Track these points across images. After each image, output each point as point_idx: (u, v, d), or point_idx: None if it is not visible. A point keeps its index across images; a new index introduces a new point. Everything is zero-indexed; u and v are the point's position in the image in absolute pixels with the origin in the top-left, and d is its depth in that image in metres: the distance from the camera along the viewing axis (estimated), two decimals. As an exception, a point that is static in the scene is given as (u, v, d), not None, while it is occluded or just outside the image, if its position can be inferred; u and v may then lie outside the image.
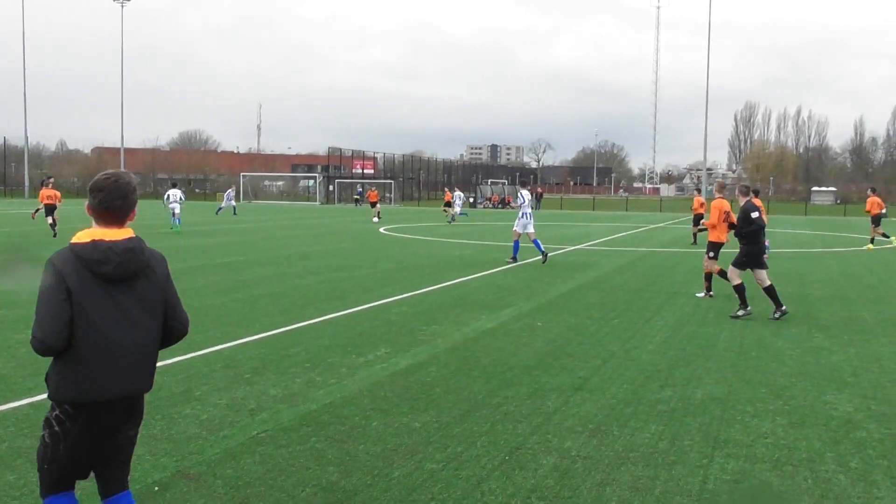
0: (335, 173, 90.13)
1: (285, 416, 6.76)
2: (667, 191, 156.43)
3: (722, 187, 15.38)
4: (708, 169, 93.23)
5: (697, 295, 14.62)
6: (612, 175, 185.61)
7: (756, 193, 14.45)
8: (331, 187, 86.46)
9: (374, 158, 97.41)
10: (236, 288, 14.61)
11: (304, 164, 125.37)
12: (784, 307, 12.12)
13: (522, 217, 20.22)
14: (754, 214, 12.28)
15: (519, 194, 21.61)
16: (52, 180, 30.52)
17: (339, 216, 49.26)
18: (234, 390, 7.54)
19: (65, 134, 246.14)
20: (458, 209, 43.81)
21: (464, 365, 8.82)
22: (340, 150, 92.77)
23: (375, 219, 38.59)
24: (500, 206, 76.75)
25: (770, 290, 12.09)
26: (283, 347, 9.51)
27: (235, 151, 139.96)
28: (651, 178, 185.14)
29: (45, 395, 7.10)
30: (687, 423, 6.78)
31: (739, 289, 12.30)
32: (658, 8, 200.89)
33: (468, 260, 20.97)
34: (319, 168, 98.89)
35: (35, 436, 6.07)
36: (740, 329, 11.24)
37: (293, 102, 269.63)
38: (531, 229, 20.31)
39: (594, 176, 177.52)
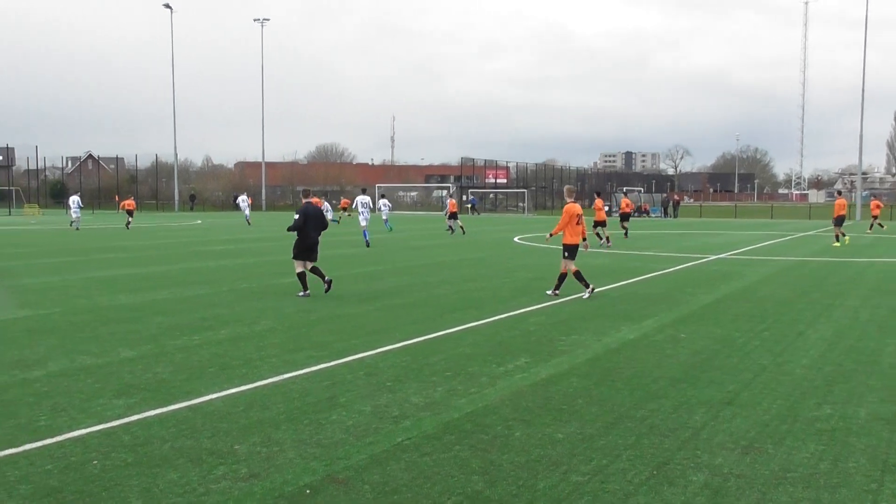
0: (468, 183, 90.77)
1: (428, 424, 6.80)
2: (815, 197, 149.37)
3: (571, 192, 16.30)
4: (863, 173, 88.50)
5: (547, 292, 15.39)
6: (755, 181, 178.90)
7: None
8: (464, 197, 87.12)
9: (507, 168, 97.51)
10: (375, 297, 14.88)
11: (437, 174, 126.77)
12: (323, 289, 15.10)
13: (362, 214, 31.19)
14: (296, 216, 15.16)
15: (357, 200, 32.16)
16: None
17: (473, 225, 49.48)
18: (377, 397, 7.65)
19: (210, 150, 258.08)
20: (329, 215, 42.07)
21: (606, 376, 8.66)
22: (473, 160, 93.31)
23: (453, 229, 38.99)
24: (635, 213, 75.27)
25: (311, 272, 15.21)
26: (423, 356, 9.59)
27: (370, 163, 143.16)
28: (798, 183, 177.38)
29: (202, 399, 7.44)
30: (850, 443, 6.39)
31: (301, 276, 15.14)
32: (806, 3, 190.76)
33: (606, 269, 20.64)
34: (452, 178, 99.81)
35: (194, 437, 6.35)
36: (902, 343, 10.57)
37: (426, 113, 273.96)
38: (364, 223, 30.98)
39: (735, 182, 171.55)
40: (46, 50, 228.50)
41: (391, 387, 8.07)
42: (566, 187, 16.88)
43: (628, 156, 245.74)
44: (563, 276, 15.30)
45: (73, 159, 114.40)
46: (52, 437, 6.36)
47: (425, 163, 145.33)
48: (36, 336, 10.69)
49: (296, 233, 15.20)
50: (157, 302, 14.01)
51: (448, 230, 38.73)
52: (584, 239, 15.71)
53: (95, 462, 5.77)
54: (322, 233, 15.57)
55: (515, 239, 34.84)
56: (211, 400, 7.50)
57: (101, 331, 11.12)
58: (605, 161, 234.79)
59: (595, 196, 30.99)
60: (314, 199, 48.54)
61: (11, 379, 8.27)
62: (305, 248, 15.17)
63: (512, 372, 8.79)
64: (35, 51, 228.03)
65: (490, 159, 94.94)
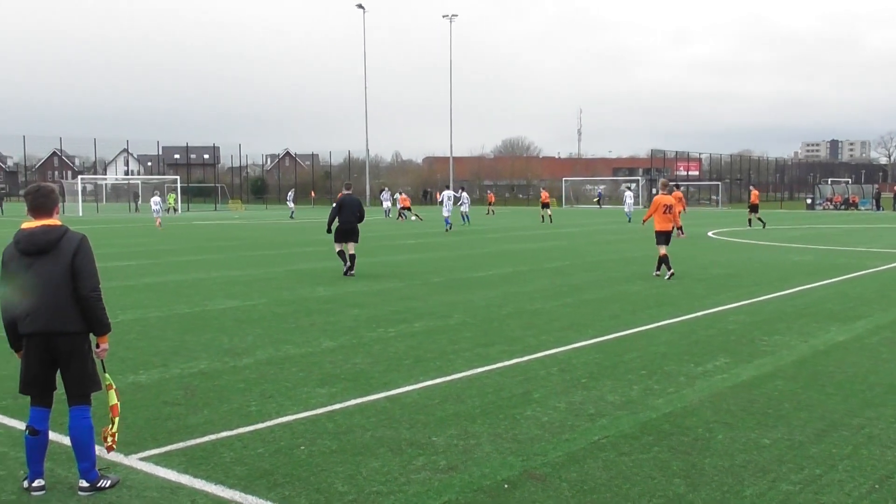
0: (657, 176, 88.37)
1: (625, 423, 6.65)
2: None
3: (665, 185, 17.66)
4: None
5: (654, 274, 17.04)
6: None
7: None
8: (653, 190, 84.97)
9: (699, 159, 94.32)
10: (565, 292, 14.76)
11: (624, 167, 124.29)
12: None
13: (445, 205, 36.48)
14: (334, 205, 17.71)
15: (444, 194, 38.16)
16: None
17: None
18: (571, 394, 7.57)
19: (399, 146, 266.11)
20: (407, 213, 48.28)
21: (814, 380, 8.16)
22: (663, 151, 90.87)
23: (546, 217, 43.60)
24: (842, 206, 70.68)
25: (349, 258, 17.37)
26: (617, 353, 9.40)
27: (557, 157, 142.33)
28: None
29: (400, 390, 7.62)
30: None
31: (340, 254, 17.60)
32: None
33: (810, 266, 19.50)
34: (641, 171, 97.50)
35: (394, 427, 6.51)
36: None
37: (613, 105, 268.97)
38: (446, 213, 36.33)
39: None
40: (248, 53, 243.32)
41: (585, 384, 7.96)
42: (660, 181, 18.23)
43: (833, 144, 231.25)
44: (664, 258, 16.80)
45: (272, 157, 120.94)
46: (263, 422, 6.71)
47: (613, 155, 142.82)
48: (244, 325, 11.33)
49: (336, 219, 17.60)
50: (352, 294, 14.53)
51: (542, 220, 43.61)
52: (680, 228, 17.34)
53: (303, 448, 6.04)
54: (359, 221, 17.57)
55: (709, 234, 33.60)
56: (408, 391, 7.67)
57: (303, 321, 11.65)
58: (808, 150, 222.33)
59: (676, 189, 30.38)
60: (491, 196, 51.68)
61: (223, 366, 8.80)
62: (342, 232, 17.48)
63: (711, 372, 8.45)
64: (237, 54, 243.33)
65: (681, 151, 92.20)
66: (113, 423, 5.37)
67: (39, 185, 5.41)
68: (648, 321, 11.55)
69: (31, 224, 5.21)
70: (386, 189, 60.36)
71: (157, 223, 38.51)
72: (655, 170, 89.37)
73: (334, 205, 17.74)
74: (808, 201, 74.13)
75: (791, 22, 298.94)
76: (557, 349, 9.61)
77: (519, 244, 27.71)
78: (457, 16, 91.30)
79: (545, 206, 44.64)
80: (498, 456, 5.85)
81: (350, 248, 17.43)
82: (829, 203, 71.72)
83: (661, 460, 5.78)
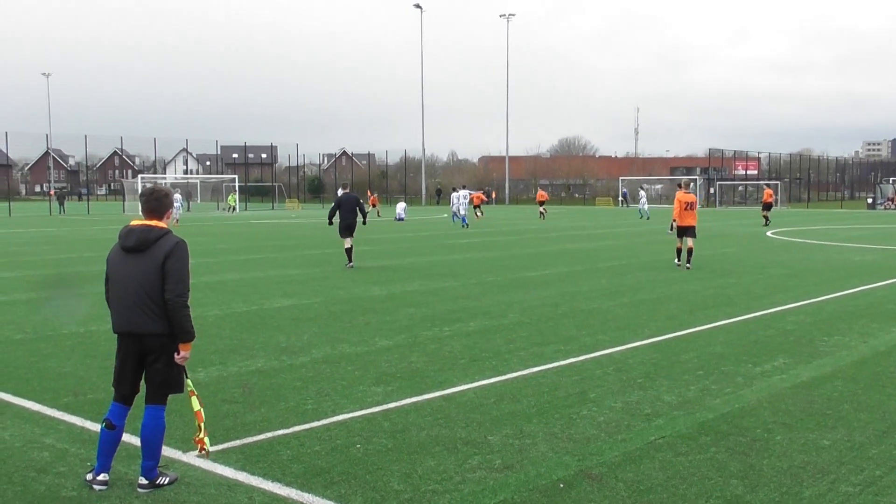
0: (715, 175, 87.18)
1: (682, 424, 6.62)
2: None
3: (686, 185, 19.58)
4: None
5: (686, 267, 18.19)
6: None
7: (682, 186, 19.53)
8: (711, 190, 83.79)
9: (758, 158, 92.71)
10: (621, 292, 14.67)
11: (682, 166, 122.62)
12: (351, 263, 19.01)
13: (457, 207, 39.28)
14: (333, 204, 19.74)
15: (456, 194, 40.65)
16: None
17: (721, 219, 47.49)
18: (627, 394, 7.55)
19: (455, 145, 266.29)
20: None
21: (875, 381, 8.02)
22: (722, 151, 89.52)
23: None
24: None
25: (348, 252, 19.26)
26: (673, 353, 9.34)
27: (613, 156, 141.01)
28: None
29: (455, 389, 7.67)
30: None
31: (347, 251, 19.30)
32: None
33: (871, 266, 19.08)
34: (698, 170, 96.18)
35: (449, 426, 6.57)
36: None
37: (671, 104, 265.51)
38: (464, 211, 39.06)
39: None
40: (305, 54, 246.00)
41: (642, 384, 7.93)
42: (683, 180, 20.24)
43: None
44: (679, 251, 18.70)
45: (329, 156, 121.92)
46: (319, 420, 6.80)
47: (670, 154, 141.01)
48: (300, 324, 11.48)
49: (337, 216, 19.31)
50: (407, 293, 14.62)
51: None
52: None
53: (359, 446, 6.11)
54: (360, 216, 19.18)
55: (768, 233, 33.05)
56: (463, 390, 7.72)
57: (359, 320, 11.76)
58: (869, 149, 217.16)
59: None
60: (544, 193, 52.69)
61: (280, 364, 8.93)
62: (343, 227, 19.24)
63: (769, 373, 8.35)
64: (294, 55, 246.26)
65: (739, 150, 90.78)
66: (200, 429, 5.42)
67: (154, 188, 5.56)
68: (706, 321, 11.44)
69: (137, 222, 5.38)
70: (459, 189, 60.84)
71: (174, 222, 38.76)
72: (713, 169, 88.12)
73: (334, 203, 19.81)
74: (870, 201, 72.35)
75: (855, 21, 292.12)
76: (613, 349, 9.58)
77: (573, 244, 27.59)
78: (514, 15, 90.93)
79: (541, 203, 50.84)
80: (553, 455, 5.87)
81: (346, 242, 19.31)
82: (890, 202, 69.83)
83: (719, 461, 5.74)
